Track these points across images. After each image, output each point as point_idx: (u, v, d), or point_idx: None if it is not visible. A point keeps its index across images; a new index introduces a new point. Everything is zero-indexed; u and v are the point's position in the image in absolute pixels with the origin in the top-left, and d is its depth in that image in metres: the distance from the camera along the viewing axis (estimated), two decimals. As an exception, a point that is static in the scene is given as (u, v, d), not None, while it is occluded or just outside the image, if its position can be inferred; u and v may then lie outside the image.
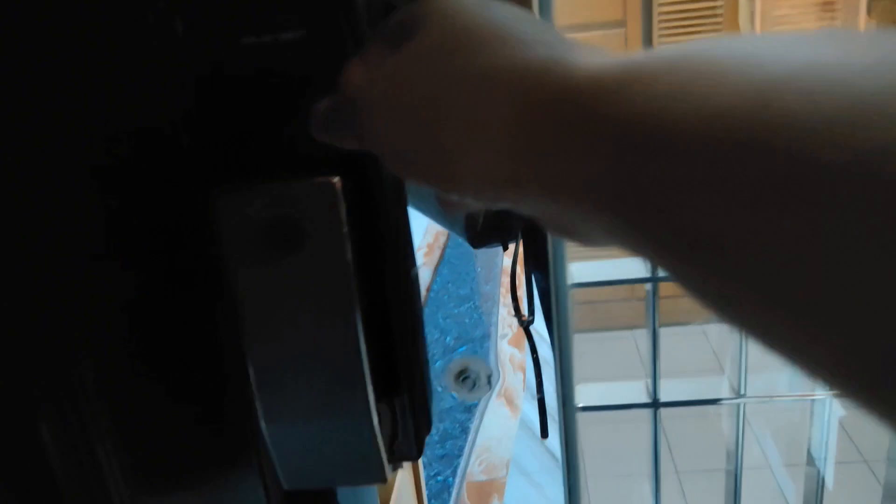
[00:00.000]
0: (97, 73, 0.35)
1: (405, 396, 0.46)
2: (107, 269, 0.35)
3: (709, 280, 0.19)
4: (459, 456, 1.54)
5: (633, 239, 0.21)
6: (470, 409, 1.52)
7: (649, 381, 0.52)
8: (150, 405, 0.38)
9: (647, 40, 0.57)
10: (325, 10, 0.38)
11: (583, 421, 0.54)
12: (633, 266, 0.47)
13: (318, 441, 0.41)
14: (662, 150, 0.19)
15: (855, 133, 0.16)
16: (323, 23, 0.38)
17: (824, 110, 0.16)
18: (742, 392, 0.52)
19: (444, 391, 1.50)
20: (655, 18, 0.56)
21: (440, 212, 0.53)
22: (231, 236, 0.38)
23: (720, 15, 2.25)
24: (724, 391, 0.54)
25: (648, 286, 0.46)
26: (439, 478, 1.51)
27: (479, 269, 2.05)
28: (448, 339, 1.65)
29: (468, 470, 1.64)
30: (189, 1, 0.38)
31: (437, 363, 1.51)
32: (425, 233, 1.97)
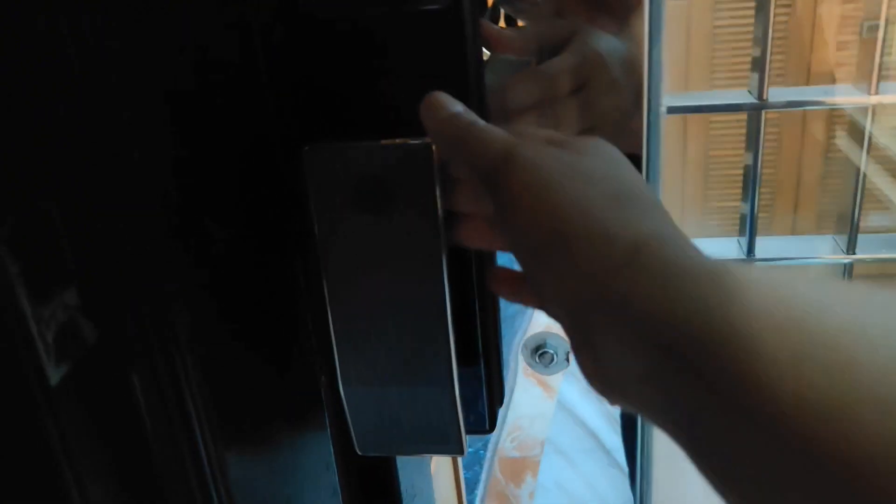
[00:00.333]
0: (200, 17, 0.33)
1: (481, 367, 0.45)
2: (198, 221, 0.34)
3: None
4: (490, 430, 1.53)
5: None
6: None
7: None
8: (234, 361, 0.37)
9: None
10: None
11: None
12: (728, 246, 0.45)
13: (397, 407, 0.40)
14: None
15: None
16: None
17: None
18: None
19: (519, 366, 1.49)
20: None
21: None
22: (320, 192, 0.37)
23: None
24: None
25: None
26: (471, 449, 1.51)
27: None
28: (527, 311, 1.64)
29: (500, 446, 1.64)
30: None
31: (516, 337, 1.49)
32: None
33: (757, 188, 0.43)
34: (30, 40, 0.25)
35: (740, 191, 0.46)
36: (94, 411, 0.29)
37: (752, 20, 0.45)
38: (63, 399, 0.26)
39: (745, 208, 0.45)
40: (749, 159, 0.43)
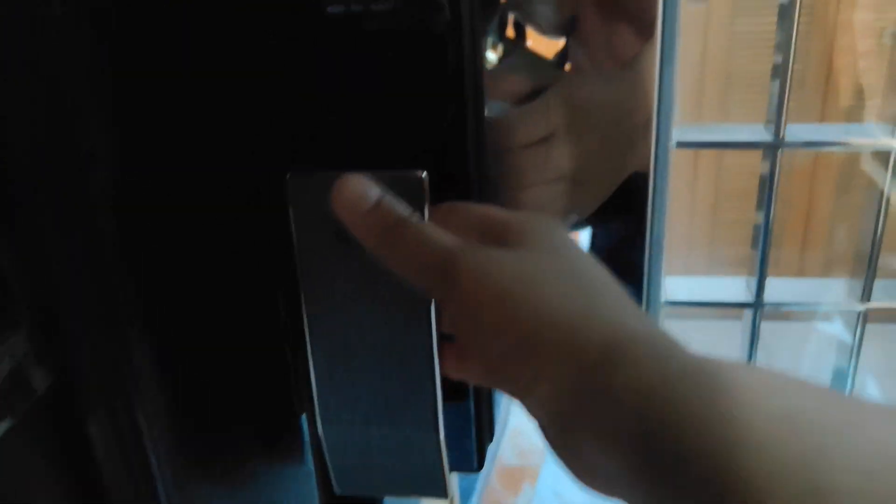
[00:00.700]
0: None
1: (470, 402, 0.43)
2: (174, 251, 0.32)
3: None
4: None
5: None
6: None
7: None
8: (206, 397, 0.35)
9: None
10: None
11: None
12: (733, 288, 0.43)
13: (378, 448, 0.38)
14: None
15: None
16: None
17: None
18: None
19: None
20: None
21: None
22: (303, 222, 0.35)
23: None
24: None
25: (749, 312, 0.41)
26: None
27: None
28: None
29: (499, 453, 1.62)
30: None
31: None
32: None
33: (769, 229, 0.41)
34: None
35: (750, 228, 0.44)
36: (48, 458, 0.27)
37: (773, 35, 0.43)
38: (9, 450, 0.25)
39: (755, 252, 0.43)
40: (761, 198, 0.41)
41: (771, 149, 0.38)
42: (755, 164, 0.42)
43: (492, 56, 1.06)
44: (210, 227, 0.35)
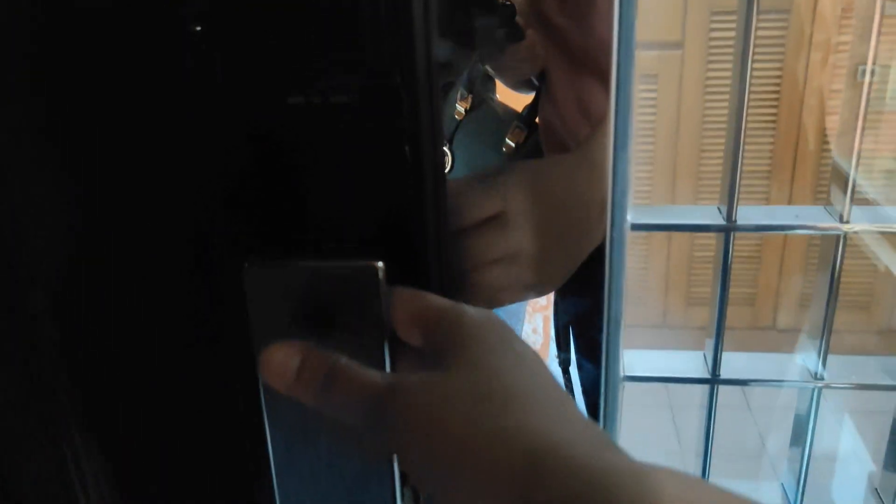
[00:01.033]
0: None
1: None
2: (125, 337, 0.33)
3: None
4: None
5: None
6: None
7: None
8: (159, 477, 0.35)
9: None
10: (382, 71, 0.35)
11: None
12: (692, 362, 0.44)
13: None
14: None
15: None
16: (378, 86, 0.35)
17: None
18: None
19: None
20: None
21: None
22: (259, 312, 0.35)
23: (782, 43, 2.18)
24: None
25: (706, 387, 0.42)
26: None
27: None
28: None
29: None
30: (229, 44, 0.34)
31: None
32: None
33: (724, 309, 0.42)
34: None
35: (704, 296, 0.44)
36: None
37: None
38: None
39: (712, 326, 0.43)
40: (716, 278, 0.41)
41: (723, 231, 0.39)
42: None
43: (460, 108, 1.07)
44: (165, 318, 0.35)
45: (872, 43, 0.39)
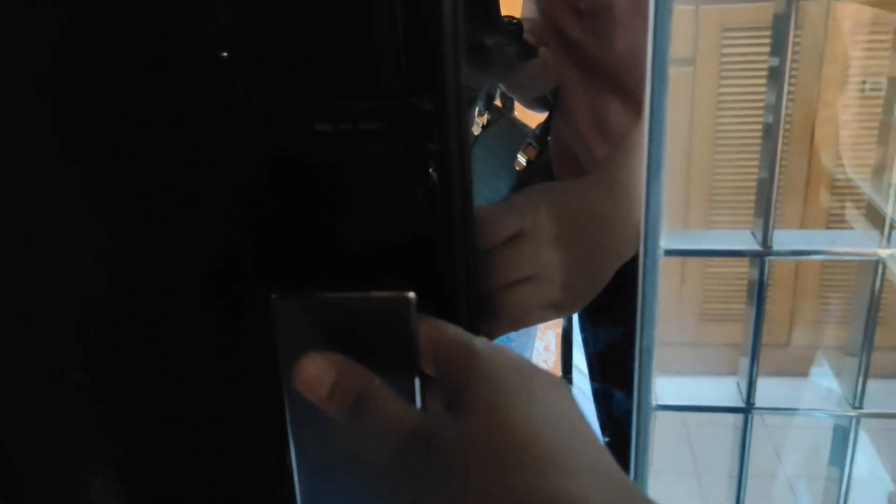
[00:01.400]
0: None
1: None
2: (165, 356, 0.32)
3: None
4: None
5: None
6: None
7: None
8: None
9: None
10: (411, 96, 0.34)
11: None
12: (723, 388, 0.42)
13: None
14: None
15: None
16: (407, 111, 0.34)
17: None
18: None
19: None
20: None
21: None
22: (287, 343, 0.34)
23: (795, 59, 2.17)
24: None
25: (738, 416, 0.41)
26: None
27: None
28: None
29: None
30: (256, 70, 0.34)
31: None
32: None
33: (759, 335, 0.41)
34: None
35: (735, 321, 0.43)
36: None
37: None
38: None
39: (745, 351, 0.42)
40: (751, 305, 0.41)
41: (758, 257, 0.38)
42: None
43: (477, 123, 1.07)
44: (191, 349, 0.34)
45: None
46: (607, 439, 0.77)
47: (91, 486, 0.30)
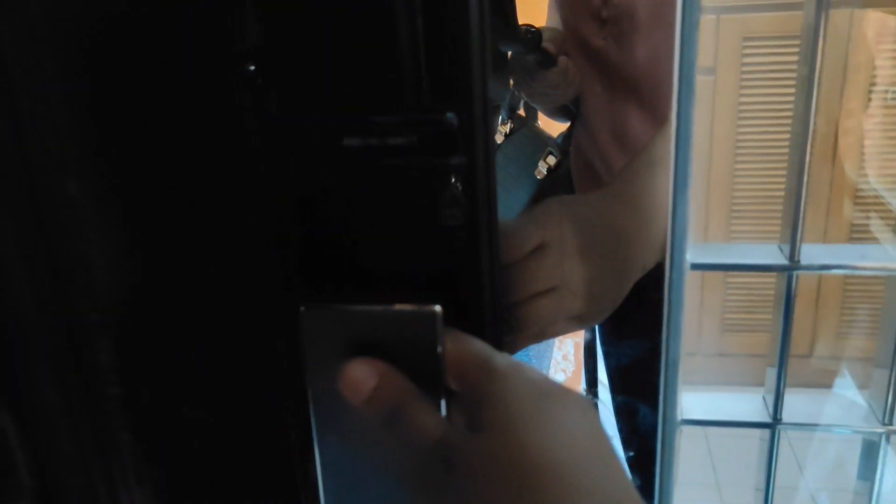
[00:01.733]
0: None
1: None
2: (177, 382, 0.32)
3: None
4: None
5: None
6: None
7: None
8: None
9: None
10: (440, 110, 0.34)
11: None
12: (749, 403, 0.42)
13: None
14: None
15: None
16: (434, 126, 0.34)
17: None
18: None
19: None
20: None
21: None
22: (315, 354, 0.34)
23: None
24: None
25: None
26: None
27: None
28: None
29: None
30: (284, 85, 0.34)
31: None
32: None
33: (786, 350, 0.40)
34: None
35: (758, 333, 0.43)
36: None
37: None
38: None
39: (773, 364, 0.42)
40: (777, 320, 0.40)
41: (787, 271, 0.38)
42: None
43: (500, 131, 1.07)
44: (220, 360, 0.34)
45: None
46: (631, 454, 0.77)
47: (120, 497, 0.30)
